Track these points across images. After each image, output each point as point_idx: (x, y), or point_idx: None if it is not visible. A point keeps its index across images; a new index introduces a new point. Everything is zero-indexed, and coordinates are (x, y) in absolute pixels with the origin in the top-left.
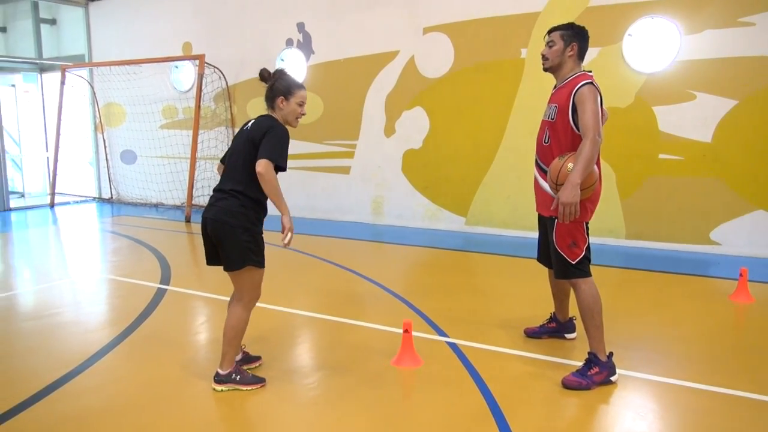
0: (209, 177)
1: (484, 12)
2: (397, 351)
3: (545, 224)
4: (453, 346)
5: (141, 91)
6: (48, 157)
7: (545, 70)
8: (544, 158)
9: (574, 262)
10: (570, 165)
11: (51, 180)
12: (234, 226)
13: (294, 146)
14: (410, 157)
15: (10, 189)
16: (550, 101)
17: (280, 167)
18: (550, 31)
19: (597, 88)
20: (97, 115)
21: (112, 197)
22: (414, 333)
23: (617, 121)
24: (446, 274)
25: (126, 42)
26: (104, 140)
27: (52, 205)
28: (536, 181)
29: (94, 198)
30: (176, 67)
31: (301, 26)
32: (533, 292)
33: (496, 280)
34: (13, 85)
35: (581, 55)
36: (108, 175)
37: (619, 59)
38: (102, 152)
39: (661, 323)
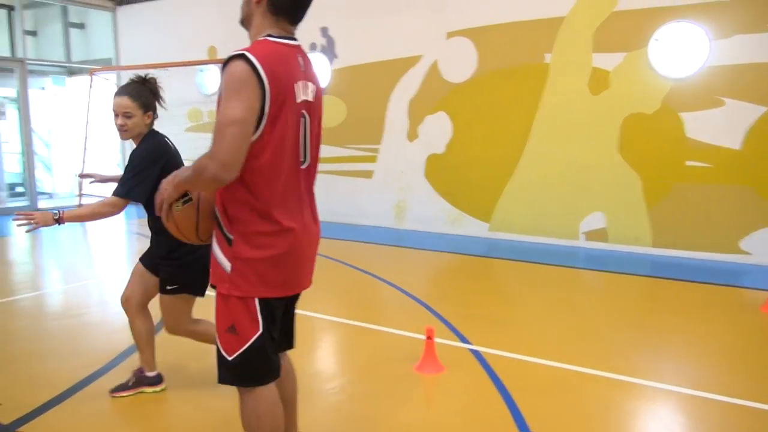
0: None
1: (508, 17)
2: (419, 357)
3: None
4: (476, 353)
5: (166, 94)
6: (76, 159)
7: (240, 23)
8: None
9: (230, 359)
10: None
11: (79, 181)
12: None
13: None
14: (433, 162)
15: (39, 190)
16: None
17: None
18: None
19: (258, 68)
20: None
21: None
22: (436, 339)
23: (643, 128)
24: (469, 280)
25: (152, 46)
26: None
27: (80, 206)
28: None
29: None
30: (201, 70)
31: (324, 31)
32: (556, 299)
33: (519, 287)
34: (43, 88)
35: (279, 9)
36: None
37: (646, 64)
38: (127, 154)
39: (690, 334)
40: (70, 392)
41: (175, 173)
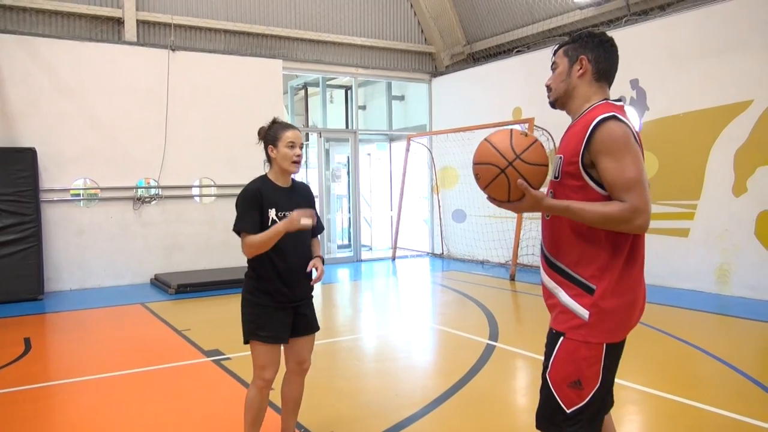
0: (534, 236)
1: None
2: None
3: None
4: None
5: (473, 155)
6: (392, 216)
7: (551, 105)
8: (546, 241)
9: (569, 411)
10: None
11: (393, 236)
12: (242, 295)
13: None
14: (766, 220)
15: (361, 243)
16: (558, 151)
17: (238, 233)
18: (555, 51)
19: (630, 126)
20: (434, 178)
21: (443, 253)
22: None
23: None
24: None
25: (462, 110)
26: (438, 200)
27: (393, 258)
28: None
29: (428, 253)
30: None
31: (634, 83)
32: None
33: None
34: (369, 154)
35: (602, 75)
36: (440, 232)
37: None
38: (436, 211)
39: None
40: (395, 429)
41: (554, 203)
